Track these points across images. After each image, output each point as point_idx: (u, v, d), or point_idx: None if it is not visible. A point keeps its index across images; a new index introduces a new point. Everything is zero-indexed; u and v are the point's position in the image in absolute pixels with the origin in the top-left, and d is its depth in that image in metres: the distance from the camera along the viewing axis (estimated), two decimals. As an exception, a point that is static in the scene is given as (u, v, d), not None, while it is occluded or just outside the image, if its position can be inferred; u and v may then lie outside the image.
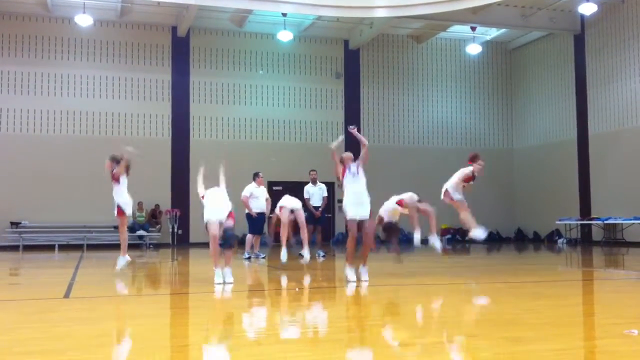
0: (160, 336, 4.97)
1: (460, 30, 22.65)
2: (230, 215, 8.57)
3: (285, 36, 20.76)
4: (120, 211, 9.90)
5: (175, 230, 20.56)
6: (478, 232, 9.91)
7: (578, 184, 21.35)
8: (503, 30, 22.89)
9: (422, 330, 5.06)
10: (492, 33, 23.51)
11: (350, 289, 7.99)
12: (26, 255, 16.88)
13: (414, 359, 4.02)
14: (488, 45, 24.17)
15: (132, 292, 8.57)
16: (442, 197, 10.57)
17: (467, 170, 10.05)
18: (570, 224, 21.05)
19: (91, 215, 18.80)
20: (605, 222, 19.61)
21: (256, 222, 13.25)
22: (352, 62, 23.08)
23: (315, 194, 14.07)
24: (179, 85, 21.42)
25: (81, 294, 7.58)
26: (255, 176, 13.52)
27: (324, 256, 13.62)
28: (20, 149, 19.86)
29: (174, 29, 21.39)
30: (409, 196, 10.23)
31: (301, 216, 11.57)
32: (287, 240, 11.48)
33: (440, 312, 6.33)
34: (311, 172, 14.30)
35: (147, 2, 19.47)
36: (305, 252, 11.31)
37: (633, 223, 18.67)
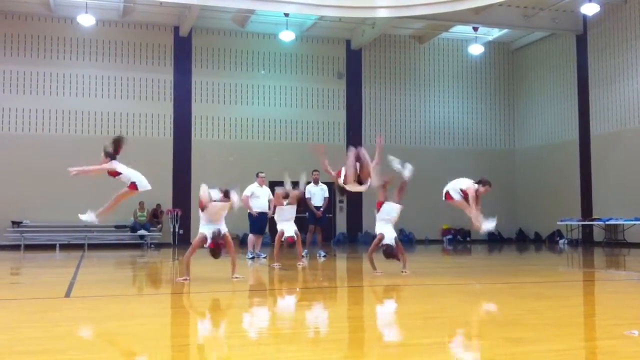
0: (161, 336, 4.97)
1: (462, 30, 22.64)
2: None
3: (287, 36, 20.76)
4: (134, 185, 9.15)
5: (177, 230, 20.57)
6: (487, 224, 9.85)
7: (580, 185, 21.33)
8: (505, 30, 22.87)
9: (423, 330, 5.06)
10: (494, 33, 23.50)
11: (350, 289, 7.99)
12: (27, 254, 16.90)
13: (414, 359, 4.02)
14: (490, 45, 24.15)
15: (133, 291, 8.58)
16: (443, 198, 10.49)
17: (473, 187, 9.92)
18: (571, 225, 21.03)
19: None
20: (607, 222, 19.59)
21: (257, 222, 13.25)
22: (354, 62, 23.08)
23: (317, 193, 14.08)
24: (181, 85, 21.43)
25: (82, 294, 7.59)
26: (256, 176, 13.53)
27: (324, 256, 13.62)
28: (22, 148, 19.88)
29: (176, 29, 21.40)
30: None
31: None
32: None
33: (441, 312, 6.33)
34: (314, 172, 14.31)
35: (150, 2, 19.49)
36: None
37: (634, 224, 18.65)
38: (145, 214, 20.12)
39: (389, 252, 9.54)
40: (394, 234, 9.87)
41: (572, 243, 20.70)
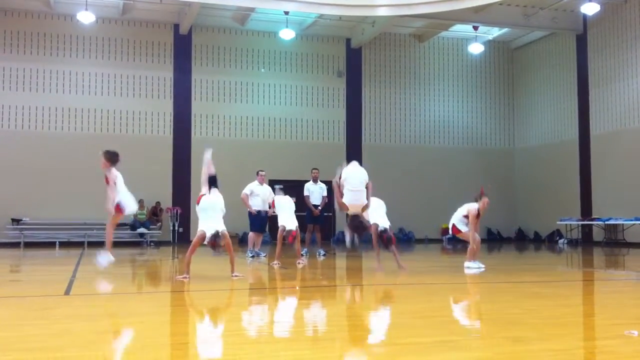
0: (161, 334, 4.97)
1: (462, 29, 22.63)
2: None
3: (287, 34, 20.75)
4: (119, 209, 9.60)
5: (176, 228, 20.57)
6: (473, 265, 10.29)
7: (579, 184, 21.34)
8: (505, 29, 22.88)
9: (422, 329, 5.06)
10: (494, 32, 23.50)
11: (350, 288, 7.99)
12: (27, 252, 16.89)
13: (414, 358, 4.02)
14: (490, 44, 24.15)
15: (132, 289, 8.58)
16: (450, 232, 10.80)
17: (472, 207, 10.26)
18: (571, 224, 21.04)
19: (92, 212, 18.74)
20: (606, 222, 19.60)
21: (256, 220, 13.25)
22: (354, 60, 23.08)
23: (315, 192, 14.05)
24: (180, 83, 21.42)
25: (82, 291, 7.59)
26: (257, 174, 13.52)
27: (324, 255, 13.62)
28: (22, 145, 19.88)
29: (176, 27, 21.39)
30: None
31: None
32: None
33: (441, 311, 6.33)
34: (313, 171, 14.30)
35: (149, 0, 19.47)
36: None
37: (634, 223, 18.66)
38: (145, 212, 20.11)
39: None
40: (388, 223, 9.95)
41: (572, 243, 20.71)
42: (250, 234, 13.51)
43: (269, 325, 5.53)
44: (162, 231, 20.31)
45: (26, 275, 11.11)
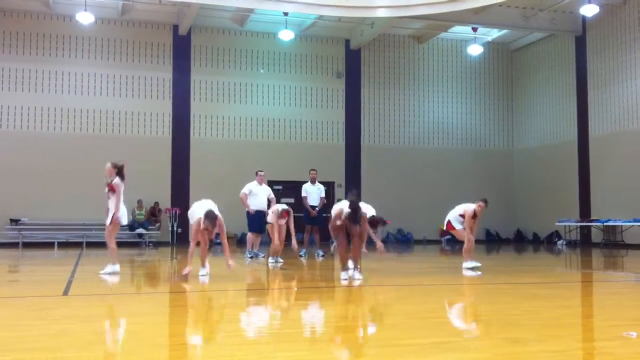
0: (159, 334, 4.97)
1: (461, 30, 22.65)
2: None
3: (286, 35, 20.74)
4: (116, 221, 9.48)
5: (175, 228, 20.56)
6: (469, 265, 10.44)
7: (578, 186, 21.35)
8: (504, 31, 22.88)
9: (421, 330, 5.06)
10: (494, 34, 23.51)
11: (348, 289, 7.99)
12: (25, 252, 16.88)
13: (413, 359, 4.02)
14: (489, 46, 24.17)
15: (131, 290, 8.57)
16: (444, 227, 10.99)
17: (469, 208, 10.52)
18: (569, 226, 21.05)
19: (91, 213, 18.74)
20: (605, 224, 19.61)
21: (255, 220, 13.22)
22: (353, 61, 23.08)
23: (313, 193, 14.04)
24: (179, 84, 21.42)
25: (80, 292, 7.58)
26: (256, 174, 13.51)
27: (322, 256, 13.61)
28: (20, 146, 19.86)
29: (175, 28, 21.39)
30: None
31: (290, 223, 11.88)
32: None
33: (439, 312, 6.33)
34: (311, 172, 14.28)
35: (149, 0, 19.49)
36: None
37: (633, 225, 18.66)
38: (143, 212, 20.10)
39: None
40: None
41: (571, 244, 20.71)
42: (249, 235, 13.50)
43: (267, 326, 5.53)
44: (160, 232, 20.30)
45: (24, 275, 11.10)
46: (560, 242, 21.20)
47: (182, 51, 21.46)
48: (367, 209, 9.77)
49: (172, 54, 21.45)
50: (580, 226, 20.77)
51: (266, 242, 16.49)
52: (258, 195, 13.22)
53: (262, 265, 11.91)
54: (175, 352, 4.33)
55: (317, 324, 5.68)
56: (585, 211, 20.95)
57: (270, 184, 14.39)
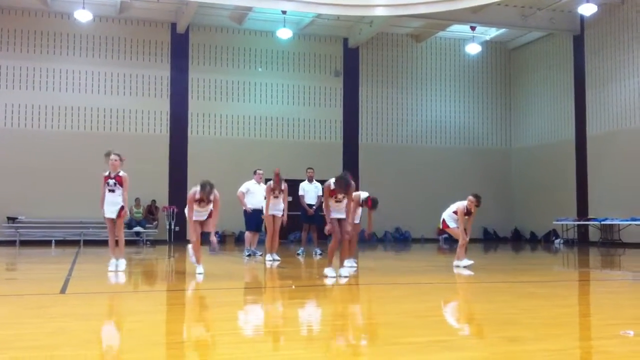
0: (156, 332, 4.96)
1: (459, 29, 22.65)
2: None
3: (284, 34, 20.74)
4: (123, 210, 9.51)
5: (172, 227, 20.55)
6: (462, 263, 10.57)
7: (575, 185, 21.38)
8: (502, 30, 22.90)
9: (418, 329, 5.06)
10: (492, 33, 23.52)
11: (346, 287, 7.99)
12: (23, 250, 16.86)
13: (409, 358, 4.02)
14: (487, 45, 24.18)
15: (128, 288, 8.56)
16: (440, 226, 11.22)
17: (461, 205, 10.69)
18: (567, 225, 21.08)
19: (88, 211, 18.72)
20: (602, 222, 19.64)
21: (252, 219, 13.22)
22: (351, 60, 23.08)
23: (310, 191, 14.00)
24: (177, 82, 21.40)
25: (77, 290, 7.57)
26: (254, 173, 13.50)
27: (321, 254, 13.61)
28: (17, 144, 19.84)
29: (174, 26, 21.37)
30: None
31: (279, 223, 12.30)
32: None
33: (437, 310, 6.34)
34: (308, 170, 14.26)
35: (147, -2, 19.45)
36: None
37: (630, 224, 18.69)
38: (141, 210, 20.09)
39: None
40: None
41: (568, 243, 20.74)
42: (247, 234, 13.50)
43: (265, 324, 5.53)
44: (158, 230, 20.28)
45: (22, 273, 11.08)
46: (557, 240, 21.23)
47: (180, 49, 21.45)
48: (362, 194, 10.11)
49: (170, 52, 21.44)
50: (578, 225, 20.81)
51: (264, 241, 16.50)
52: (255, 194, 13.21)
53: (259, 263, 11.91)
54: (173, 350, 4.32)
55: (315, 322, 5.68)
56: (582, 210, 20.98)
57: (267, 182, 14.35)
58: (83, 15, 19.07)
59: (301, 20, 21.53)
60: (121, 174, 9.44)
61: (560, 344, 4.44)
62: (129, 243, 19.05)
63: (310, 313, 6.21)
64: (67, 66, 20.55)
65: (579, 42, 21.47)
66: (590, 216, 20.48)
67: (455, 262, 10.65)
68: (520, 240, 23.37)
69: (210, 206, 8.98)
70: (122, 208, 9.47)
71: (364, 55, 23.28)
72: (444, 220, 10.96)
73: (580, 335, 5.06)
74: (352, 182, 8.76)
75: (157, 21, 21.32)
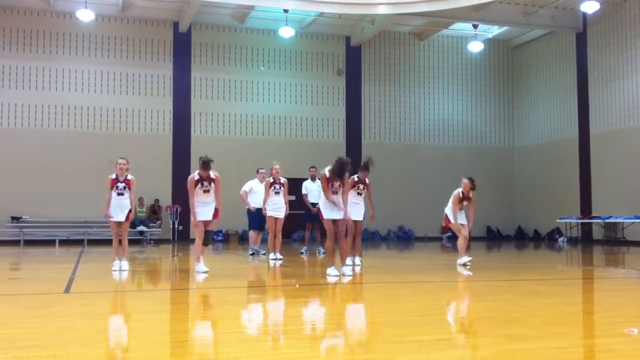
0: (160, 331, 4.97)
1: (462, 27, 22.62)
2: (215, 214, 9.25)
3: (286, 32, 20.73)
4: (130, 213, 9.72)
5: (176, 226, 20.57)
6: (460, 261, 10.62)
7: (579, 183, 21.34)
8: (505, 28, 22.86)
9: (422, 327, 5.06)
10: (494, 31, 23.49)
11: (350, 286, 7.99)
12: (27, 250, 16.90)
13: (413, 356, 4.02)
14: (490, 43, 24.14)
15: (132, 287, 8.58)
16: (443, 223, 11.33)
17: (455, 192, 10.71)
18: (570, 223, 21.05)
19: (92, 210, 18.77)
20: (606, 220, 19.61)
21: (255, 218, 13.23)
22: (353, 58, 23.06)
23: (314, 190, 13.99)
24: (180, 81, 21.41)
25: (81, 289, 7.59)
26: (257, 172, 13.50)
27: (324, 253, 13.60)
28: (21, 143, 19.86)
29: (176, 25, 21.37)
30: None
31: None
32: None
33: (440, 309, 6.34)
34: (311, 169, 14.26)
35: (149, -2, 19.46)
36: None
37: (634, 222, 18.66)
38: (144, 209, 20.11)
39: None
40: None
41: (571, 241, 20.71)
42: (251, 233, 13.52)
43: (268, 323, 5.54)
44: (161, 229, 20.31)
45: (26, 273, 11.11)
46: (561, 239, 21.20)
47: (182, 48, 21.45)
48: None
49: (172, 51, 21.44)
50: (581, 223, 20.77)
51: (267, 239, 16.51)
52: (258, 193, 13.20)
53: (262, 262, 11.93)
54: (177, 349, 4.33)
55: (319, 320, 5.68)
56: (586, 208, 20.94)
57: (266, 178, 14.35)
58: (85, 15, 19.09)
59: (303, 18, 21.52)
60: (129, 177, 9.62)
61: (563, 342, 4.45)
62: (132, 242, 19.09)
63: (314, 312, 6.22)
64: (70, 66, 20.57)
65: (581, 40, 21.42)
66: (594, 214, 20.45)
67: (458, 261, 10.65)
68: (524, 239, 23.33)
69: (213, 190, 9.08)
70: (130, 211, 9.59)
71: (367, 54, 23.27)
72: (446, 215, 10.96)
73: (583, 333, 5.06)
74: (348, 168, 8.85)
75: (159, 20, 21.33)
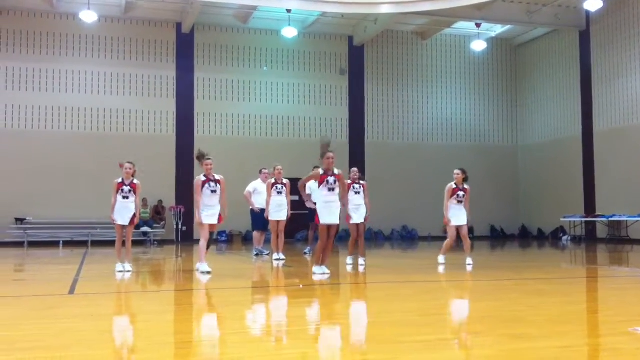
0: (165, 332, 4.98)
1: (465, 26, 22.59)
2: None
3: (289, 32, 20.74)
4: (134, 217, 9.81)
5: (180, 227, 20.59)
6: (441, 260, 10.79)
7: (583, 181, 21.30)
8: (508, 26, 22.83)
9: (426, 327, 5.06)
10: (497, 29, 23.46)
11: (353, 286, 7.99)
12: (31, 251, 16.93)
13: (417, 356, 4.02)
14: (493, 41, 24.10)
15: (136, 288, 8.59)
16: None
17: (448, 185, 10.77)
18: (574, 221, 21.01)
19: (96, 211, 18.82)
20: (610, 219, 19.57)
21: (259, 218, 13.22)
22: (356, 58, 23.06)
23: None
24: (183, 82, 21.43)
25: (86, 291, 7.61)
26: (260, 172, 13.51)
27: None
28: (25, 145, 19.90)
29: (179, 26, 21.40)
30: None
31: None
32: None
33: (444, 309, 6.34)
34: (314, 169, 14.25)
35: (152, -1, 19.48)
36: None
37: (638, 220, 18.62)
38: (148, 210, 20.13)
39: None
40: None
41: (575, 240, 20.68)
42: (255, 233, 13.53)
43: (272, 323, 5.54)
44: (165, 230, 20.33)
45: (30, 274, 11.13)
46: (565, 237, 21.16)
47: (185, 49, 21.48)
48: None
49: (175, 52, 21.47)
50: (585, 222, 20.74)
51: (270, 240, 16.52)
52: (262, 193, 13.18)
53: (266, 262, 11.93)
54: (182, 350, 4.34)
55: (322, 321, 5.68)
56: (590, 207, 20.91)
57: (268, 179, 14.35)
58: (88, 16, 19.12)
59: (306, 18, 21.53)
60: (135, 181, 9.70)
61: (567, 341, 4.44)
62: (136, 243, 19.14)
63: (317, 312, 6.22)
64: (73, 67, 20.61)
65: (585, 38, 21.38)
66: (597, 213, 20.41)
67: (468, 260, 10.53)
68: (528, 238, 23.30)
69: (219, 192, 9.14)
70: (134, 215, 9.64)
71: (369, 53, 23.26)
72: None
73: (587, 332, 5.05)
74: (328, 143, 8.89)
75: (162, 21, 21.35)
